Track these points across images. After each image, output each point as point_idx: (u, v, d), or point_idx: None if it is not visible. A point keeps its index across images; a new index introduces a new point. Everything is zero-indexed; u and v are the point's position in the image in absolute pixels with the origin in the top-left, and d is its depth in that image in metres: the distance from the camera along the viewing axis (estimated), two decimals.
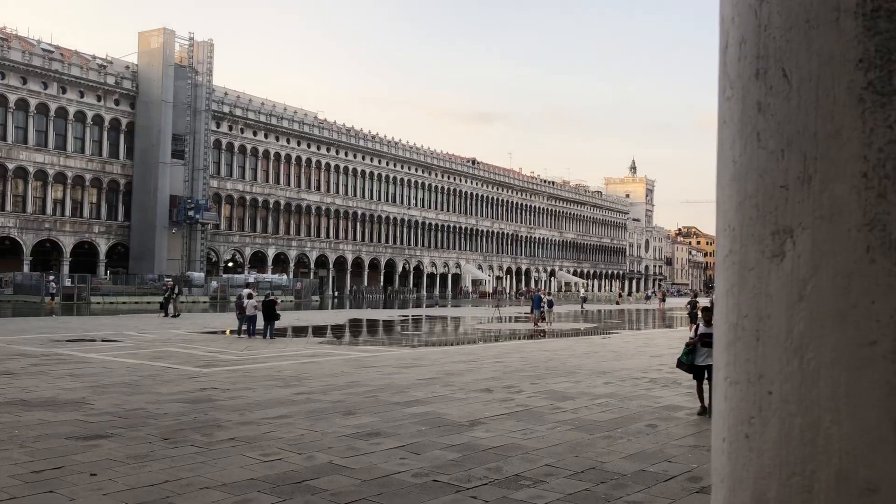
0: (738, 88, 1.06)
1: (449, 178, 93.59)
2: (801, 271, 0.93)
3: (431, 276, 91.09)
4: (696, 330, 10.77)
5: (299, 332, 28.91)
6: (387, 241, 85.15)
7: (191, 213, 62.79)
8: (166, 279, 44.95)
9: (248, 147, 71.60)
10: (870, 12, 0.88)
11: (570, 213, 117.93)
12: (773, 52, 0.98)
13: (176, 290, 37.22)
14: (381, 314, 44.98)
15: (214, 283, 60.92)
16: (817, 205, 0.92)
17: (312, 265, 76.69)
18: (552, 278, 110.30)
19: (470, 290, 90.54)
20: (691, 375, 10.87)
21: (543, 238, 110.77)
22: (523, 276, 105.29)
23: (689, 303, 32.30)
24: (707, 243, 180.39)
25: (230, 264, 70.29)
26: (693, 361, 10.55)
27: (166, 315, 35.10)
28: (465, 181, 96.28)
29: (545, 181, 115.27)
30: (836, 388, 0.90)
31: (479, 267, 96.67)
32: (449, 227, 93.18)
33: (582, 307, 58.72)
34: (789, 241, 0.95)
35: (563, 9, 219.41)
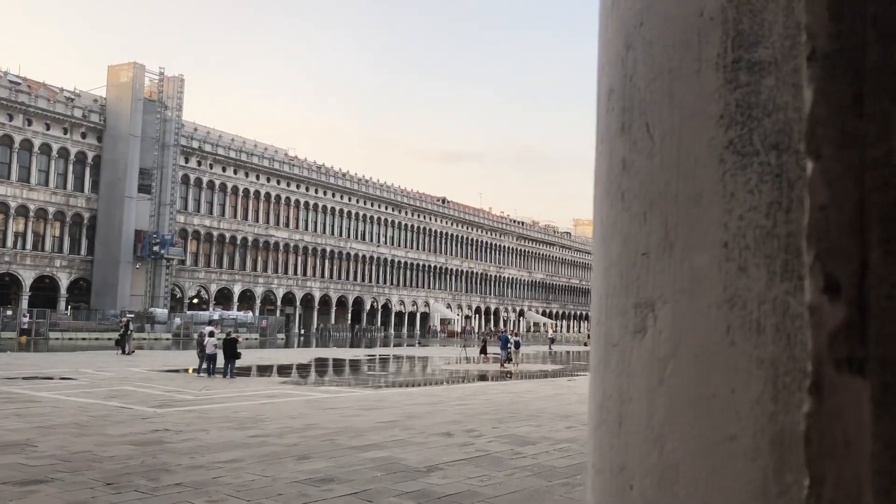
0: (607, 142, 0.97)
1: (419, 216, 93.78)
2: (662, 350, 0.82)
3: (400, 315, 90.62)
4: None
5: (262, 370, 28.42)
6: (355, 278, 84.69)
7: (156, 248, 62.00)
8: (128, 315, 44.12)
9: (217, 182, 71.19)
10: (731, 63, 0.79)
11: (540, 254, 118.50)
12: (638, 105, 0.89)
13: (130, 328, 36.46)
14: (348, 353, 44.49)
15: (178, 320, 59.96)
16: (678, 276, 0.81)
17: (279, 302, 75.92)
18: (521, 318, 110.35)
19: (438, 329, 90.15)
20: None
21: (513, 278, 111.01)
22: (492, 316, 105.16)
23: None
24: None
25: (195, 301, 69.30)
26: None
27: (123, 352, 34.37)
28: (436, 220, 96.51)
29: (515, 221, 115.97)
30: (695, 489, 0.79)
31: (448, 306, 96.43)
32: (418, 265, 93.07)
33: (550, 348, 58.66)
34: (651, 316, 0.84)
35: (534, 50, 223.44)
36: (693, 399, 0.78)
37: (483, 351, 35.83)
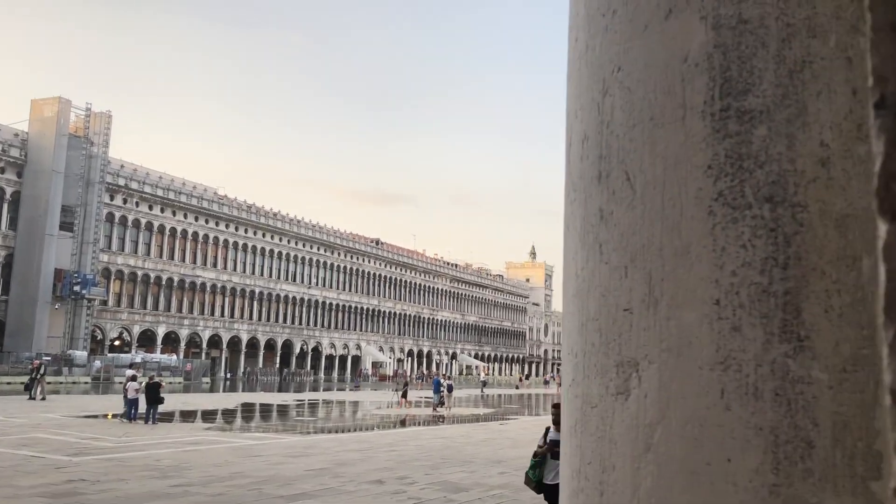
0: (581, 191, 0.92)
1: (352, 258, 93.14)
2: (648, 414, 0.77)
3: (330, 358, 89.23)
4: (547, 435, 7.82)
5: (186, 416, 27.44)
6: (285, 320, 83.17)
7: (77, 288, 59.67)
8: (44, 357, 42.17)
9: (143, 221, 69.34)
10: (718, 111, 0.75)
11: (473, 296, 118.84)
12: (617, 153, 0.85)
13: (42, 371, 34.72)
14: (276, 398, 43.43)
15: (98, 363, 57.58)
16: (664, 334, 0.76)
17: (205, 345, 73.82)
18: (453, 361, 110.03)
19: (370, 372, 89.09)
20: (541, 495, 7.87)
21: (446, 320, 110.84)
22: (425, 359, 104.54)
23: None
24: None
25: (117, 343, 66.78)
26: (541, 478, 7.74)
27: (32, 397, 32.66)
28: (369, 261, 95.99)
29: (448, 263, 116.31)
30: None
31: (381, 349, 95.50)
32: (350, 307, 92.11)
33: (482, 391, 58.50)
34: (634, 377, 0.79)
35: (469, 94, 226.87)
36: (684, 468, 0.73)
37: (404, 395, 35.44)
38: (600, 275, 0.86)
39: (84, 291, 60.23)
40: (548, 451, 7.62)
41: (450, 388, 36.46)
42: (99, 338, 65.35)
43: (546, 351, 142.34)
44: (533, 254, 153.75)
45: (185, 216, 72.91)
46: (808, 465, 0.67)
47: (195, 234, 73.65)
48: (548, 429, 7.89)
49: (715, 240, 0.74)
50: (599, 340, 0.85)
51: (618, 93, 0.86)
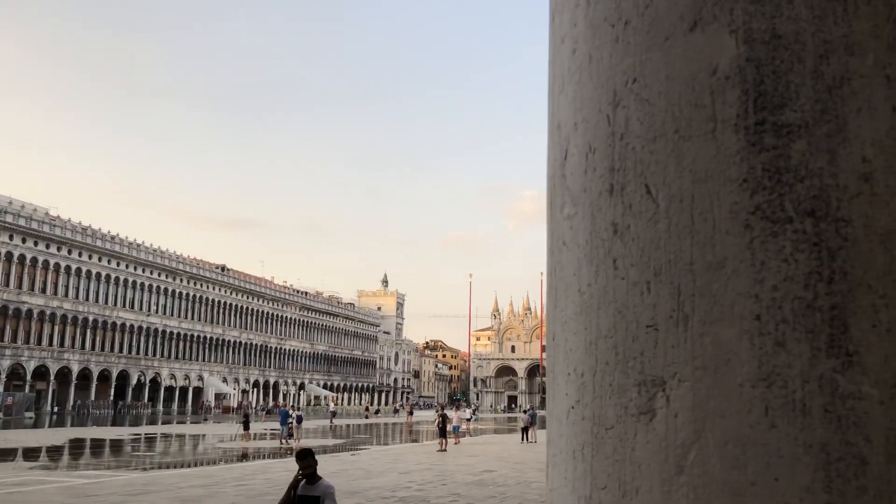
0: (585, 205, 0.89)
1: (196, 284, 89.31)
2: (680, 435, 0.74)
3: (170, 390, 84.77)
4: (294, 489, 6.79)
5: (5, 454, 25.07)
6: (121, 350, 78.23)
7: None
8: None
9: None
10: (753, 125, 0.75)
11: (323, 325, 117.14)
12: (634, 166, 0.83)
13: None
14: (109, 432, 40.64)
15: None
16: (697, 351, 0.74)
17: (29, 377, 67.99)
18: (302, 391, 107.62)
19: (213, 404, 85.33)
20: None
21: (294, 350, 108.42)
22: (271, 390, 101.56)
23: (439, 415, 32.71)
24: (452, 356, 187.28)
25: None
26: None
27: None
28: (214, 288, 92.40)
29: (298, 291, 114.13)
30: None
31: (224, 380, 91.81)
32: (193, 336, 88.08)
33: (331, 422, 57.54)
34: (661, 396, 0.76)
35: (319, 121, 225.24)
36: (726, 490, 0.70)
37: (246, 427, 34.22)
38: (615, 291, 0.83)
39: None
40: None
41: (299, 419, 35.64)
42: None
43: (396, 380, 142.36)
44: (385, 282, 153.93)
45: (11, 237, 67.24)
46: (862, 482, 0.66)
47: (21, 256, 68.01)
48: (297, 481, 6.80)
49: (753, 254, 0.72)
50: (615, 359, 0.82)
51: (633, 104, 0.84)
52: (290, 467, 22.63)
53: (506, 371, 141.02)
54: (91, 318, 74.88)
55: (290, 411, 35.53)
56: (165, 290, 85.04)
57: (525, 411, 46.99)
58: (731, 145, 0.76)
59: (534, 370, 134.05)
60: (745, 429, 0.71)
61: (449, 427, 31.70)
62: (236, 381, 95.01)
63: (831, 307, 0.68)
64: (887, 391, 0.66)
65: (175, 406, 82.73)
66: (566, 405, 0.90)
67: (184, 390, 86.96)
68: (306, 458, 6.91)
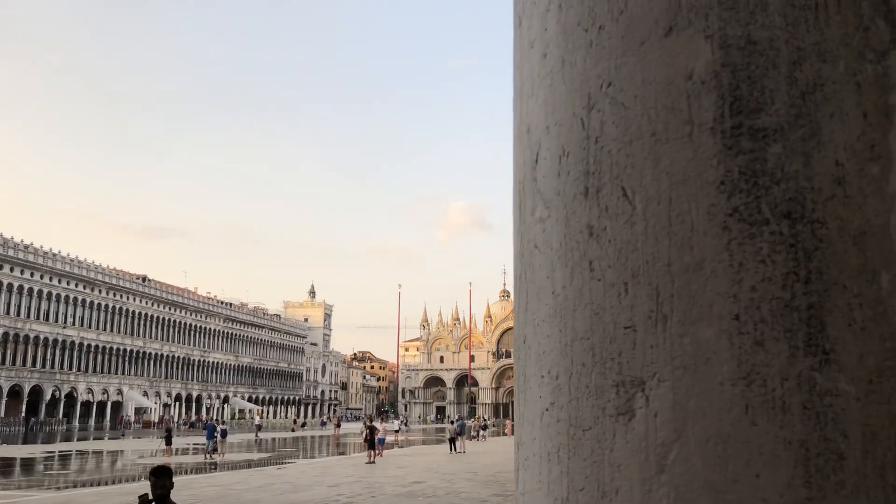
0: (559, 208, 0.89)
1: (115, 295, 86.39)
2: (660, 434, 0.75)
3: (87, 405, 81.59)
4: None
5: None
6: (34, 364, 74.92)
7: None
8: None
9: None
10: (730, 129, 0.76)
11: (248, 337, 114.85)
12: (609, 168, 0.83)
13: None
14: (20, 450, 38.81)
15: None
16: (676, 351, 0.75)
17: None
18: (226, 405, 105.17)
19: (132, 419, 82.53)
20: None
21: (218, 362, 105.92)
22: (194, 403, 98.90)
23: (367, 427, 32.39)
24: (380, 368, 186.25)
25: None
26: None
27: None
28: (134, 299, 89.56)
29: (222, 302, 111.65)
30: None
31: (145, 394, 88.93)
32: (112, 349, 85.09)
33: (257, 435, 56.41)
34: (640, 396, 0.77)
35: (241, 132, 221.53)
36: (707, 487, 0.71)
37: (168, 442, 33.25)
38: (592, 292, 0.83)
39: None
40: None
41: (224, 434, 34.81)
42: None
43: (323, 392, 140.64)
44: (312, 292, 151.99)
45: None
46: (840, 477, 0.68)
47: None
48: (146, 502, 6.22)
49: (731, 255, 0.74)
50: (592, 360, 0.82)
51: (608, 108, 0.85)
52: (215, 482, 22.07)
53: (434, 381, 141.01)
54: (2, 330, 71.55)
55: (216, 425, 34.69)
56: (83, 301, 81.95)
57: (453, 422, 47.04)
58: (707, 148, 0.77)
59: (462, 380, 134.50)
60: (725, 427, 0.72)
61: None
62: (157, 394, 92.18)
63: (808, 307, 0.70)
64: (863, 388, 0.68)
65: (92, 422, 79.63)
66: (539, 408, 0.90)
67: (101, 405, 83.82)
68: (161, 477, 6.22)
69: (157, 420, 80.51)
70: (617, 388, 0.79)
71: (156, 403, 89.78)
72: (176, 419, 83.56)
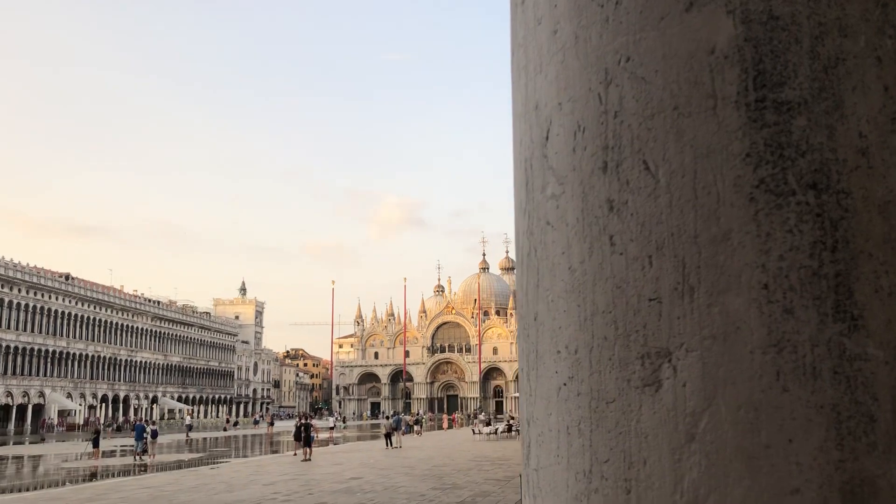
0: (574, 184, 0.89)
1: (36, 294, 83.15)
2: (690, 404, 0.76)
3: (6, 408, 78.38)
4: None
5: None
6: None
7: None
8: None
9: None
10: (754, 102, 0.78)
11: (177, 335, 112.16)
12: (630, 143, 0.84)
13: None
14: None
15: None
16: (705, 321, 0.76)
17: None
18: (155, 405, 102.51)
19: (55, 422, 79.66)
20: None
21: (146, 361, 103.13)
22: (121, 404, 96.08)
23: (303, 425, 31.95)
24: (314, 365, 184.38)
25: None
26: None
27: None
28: (57, 298, 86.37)
29: (150, 300, 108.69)
30: None
31: (69, 395, 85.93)
32: (33, 350, 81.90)
33: (188, 435, 55.20)
34: (667, 367, 0.77)
35: (173, 128, 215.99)
36: (740, 454, 0.72)
37: (95, 445, 32.24)
38: (613, 266, 0.83)
39: None
40: None
41: (154, 434, 33.95)
42: None
43: (255, 390, 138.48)
44: (243, 289, 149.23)
45: None
46: (872, 438, 0.70)
47: None
48: None
49: (759, 225, 0.75)
50: (615, 333, 0.82)
51: (627, 83, 0.86)
52: (146, 484, 21.52)
53: (369, 378, 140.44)
54: None
55: (146, 426, 33.79)
56: (1, 300, 78.64)
57: (388, 417, 46.88)
58: (732, 121, 0.78)
59: (397, 376, 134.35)
60: (757, 394, 0.73)
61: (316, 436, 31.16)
62: (82, 396, 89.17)
63: (836, 274, 0.72)
64: (891, 352, 0.71)
65: (12, 426, 76.53)
66: (556, 383, 0.90)
67: (22, 408, 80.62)
68: None
69: (82, 422, 77.90)
70: (642, 360, 0.80)
71: (81, 405, 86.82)
72: (102, 421, 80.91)
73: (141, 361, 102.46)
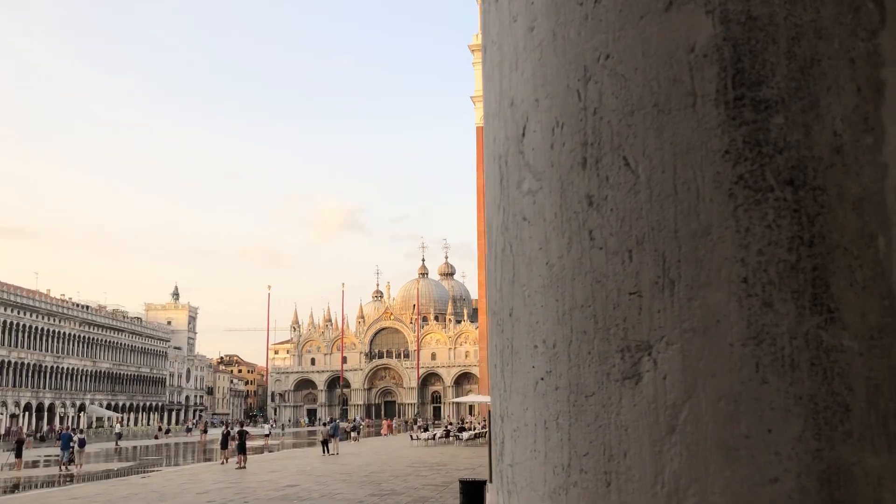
0: (552, 179, 0.90)
1: None
2: (670, 396, 0.77)
3: None
4: None
5: None
6: None
7: None
8: None
9: None
10: (733, 100, 0.79)
11: (106, 341, 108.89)
12: (610, 139, 0.85)
13: None
14: None
15: None
16: (685, 315, 0.77)
17: None
18: (82, 413, 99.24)
19: None
20: None
21: (73, 368, 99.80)
22: (46, 413, 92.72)
23: (238, 432, 31.21)
24: (248, 371, 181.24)
25: None
26: None
27: None
28: None
29: (78, 305, 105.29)
30: None
31: None
32: None
33: (117, 444, 53.61)
34: (647, 360, 0.78)
35: (107, 124, 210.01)
36: (720, 445, 0.73)
37: (18, 454, 31.05)
38: (592, 260, 0.84)
39: None
40: None
41: (81, 443, 32.87)
42: None
43: (188, 397, 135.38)
44: (176, 294, 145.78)
45: None
46: (847, 427, 0.72)
47: None
48: None
49: (738, 221, 0.77)
50: (594, 327, 0.83)
51: (607, 80, 0.86)
52: (73, 494, 20.79)
53: (305, 384, 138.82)
54: None
55: (73, 435, 32.71)
56: None
57: (325, 424, 46.37)
58: (711, 119, 0.80)
59: (334, 382, 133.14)
60: (736, 385, 0.74)
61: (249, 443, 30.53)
62: (3, 404, 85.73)
63: (813, 268, 0.74)
64: (865, 343, 0.73)
65: None
66: (533, 378, 0.90)
67: None
68: None
69: (3, 432, 74.86)
70: (622, 353, 0.81)
71: (2, 414, 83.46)
72: (25, 430, 77.86)
73: (68, 368, 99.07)
